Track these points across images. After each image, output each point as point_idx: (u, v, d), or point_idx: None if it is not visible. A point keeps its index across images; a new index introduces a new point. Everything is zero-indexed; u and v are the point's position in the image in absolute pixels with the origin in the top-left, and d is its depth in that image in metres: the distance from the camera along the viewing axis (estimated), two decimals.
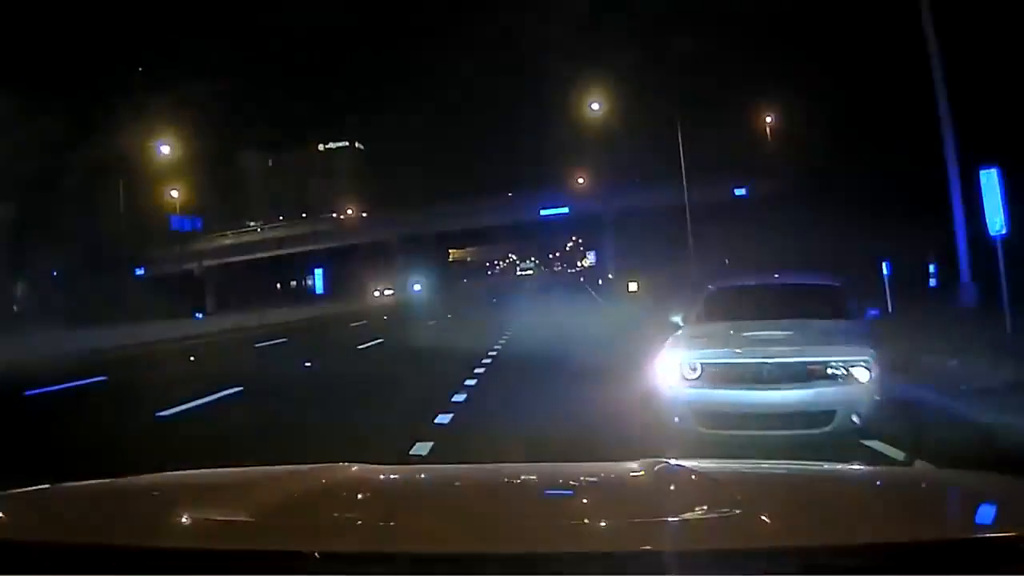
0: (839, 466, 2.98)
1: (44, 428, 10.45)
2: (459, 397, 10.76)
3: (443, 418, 9.17)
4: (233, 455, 7.48)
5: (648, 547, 1.65)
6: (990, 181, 11.96)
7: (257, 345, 24.46)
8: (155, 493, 2.55)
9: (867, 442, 6.62)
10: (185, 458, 7.15)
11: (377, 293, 71.45)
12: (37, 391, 13.93)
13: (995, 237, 11.98)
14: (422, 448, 7.49)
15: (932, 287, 20.87)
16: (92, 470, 6.62)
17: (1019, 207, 12.07)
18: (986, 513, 1.99)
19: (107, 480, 2.67)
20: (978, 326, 12.90)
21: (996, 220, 11.91)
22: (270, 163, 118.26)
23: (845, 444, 6.50)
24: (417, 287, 75.82)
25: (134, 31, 68.56)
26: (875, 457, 6.26)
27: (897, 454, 6.27)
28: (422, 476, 3.16)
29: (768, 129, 48.72)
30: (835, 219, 28.39)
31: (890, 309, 15.69)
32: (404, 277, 76.76)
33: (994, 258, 12.11)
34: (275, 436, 8.75)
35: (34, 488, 2.35)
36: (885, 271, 17.56)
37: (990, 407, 7.77)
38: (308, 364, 18.09)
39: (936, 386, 9.00)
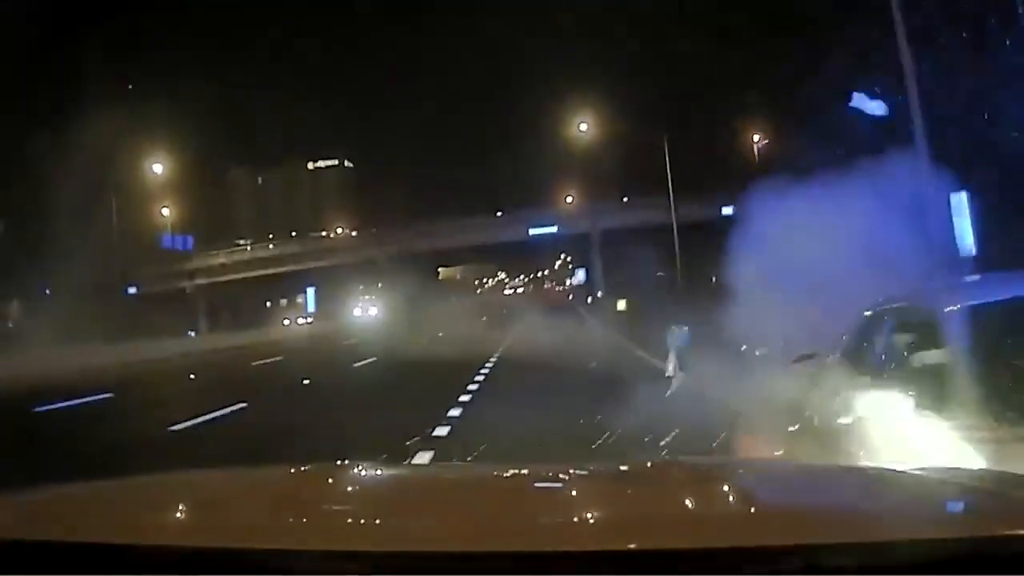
0: (840, 465, 3.00)
1: (62, 442, 10.69)
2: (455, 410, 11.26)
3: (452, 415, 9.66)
4: (243, 464, 7.99)
5: (648, 546, 1.62)
6: (960, 204, 12.60)
7: (254, 363, 24.89)
8: (154, 493, 2.54)
9: None
10: (201, 467, 7.71)
11: (287, 321, 61.61)
12: (46, 407, 14.17)
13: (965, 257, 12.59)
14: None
15: None
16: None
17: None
18: (986, 512, 1.94)
19: (106, 480, 2.72)
20: None
21: (966, 241, 12.54)
22: (260, 181, 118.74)
23: None
24: (373, 310, 64.86)
25: (123, 48, 68.75)
26: None
27: None
28: (421, 475, 3.21)
29: (755, 148, 49.32)
30: (819, 238, 28.82)
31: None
32: (347, 297, 68.36)
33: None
34: (282, 445, 9.26)
35: (33, 488, 2.40)
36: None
37: None
38: (306, 381, 18.57)
39: None
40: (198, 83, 60.86)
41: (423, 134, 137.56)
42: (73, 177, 49.74)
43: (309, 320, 61.74)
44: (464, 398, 12.93)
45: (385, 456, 6.92)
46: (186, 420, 11.36)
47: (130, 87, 60.18)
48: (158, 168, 53.79)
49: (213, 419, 11.75)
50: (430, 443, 8.81)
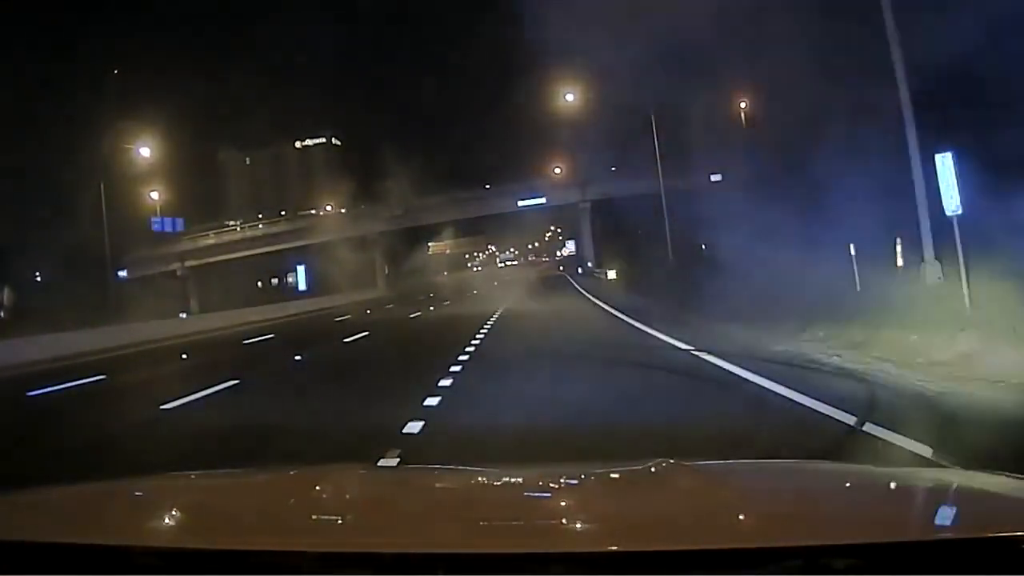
0: (840, 465, 3.01)
1: (55, 424, 10.72)
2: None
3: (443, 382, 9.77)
4: (235, 442, 8.02)
5: (649, 548, 1.62)
6: (945, 164, 12.59)
7: (245, 342, 24.88)
8: (154, 494, 2.57)
9: None
10: (193, 446, 7.78)
11: None
12: (39, 391, 14.17)
13: (951, 216, 12.59)
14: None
15: (900, 266, 21.48)
16: (108, 461, 7.16)
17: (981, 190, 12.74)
18: (986, 512, 1.96)
19: (107, 481, 2.78)
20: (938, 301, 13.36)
21: (951, 200, 12.53)
22: (247, 161, 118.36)
23: None
24: None
25: (108, 31, 68.36)
26: None
27: None
28: (422, 477, 3.20)
29: (743, 115, 49.15)
30: (807, 202, 28.87)
31: (858, 287, 16.60)
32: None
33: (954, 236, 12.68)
34: (272, 421, 9.29)
35: (34, 489, 2.43)
36: (852, 251, 18.13)
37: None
38: (298, 357, 18.63)
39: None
40: (184, 65, 60.59)
41: (410, 110, 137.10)
42: (61, 162, 49.56)
43: None
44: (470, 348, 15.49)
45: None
46: (178, 399, 11.37)
47: (115, 71, 59.80)
48: (146, 151, 53.41)
49: (204, 397, 11.74)
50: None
